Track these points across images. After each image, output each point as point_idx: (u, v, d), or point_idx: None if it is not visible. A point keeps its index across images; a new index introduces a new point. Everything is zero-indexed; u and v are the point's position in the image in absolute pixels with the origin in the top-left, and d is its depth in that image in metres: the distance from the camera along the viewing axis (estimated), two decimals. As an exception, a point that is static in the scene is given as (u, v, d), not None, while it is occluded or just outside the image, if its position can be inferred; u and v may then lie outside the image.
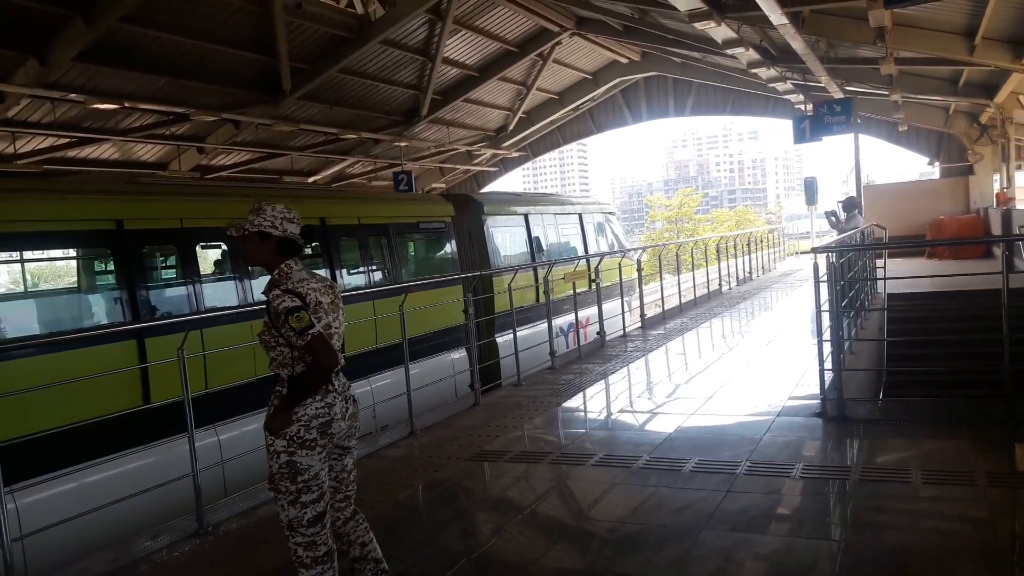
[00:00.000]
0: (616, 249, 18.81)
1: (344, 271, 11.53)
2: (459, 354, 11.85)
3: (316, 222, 10.95)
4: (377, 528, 3.64)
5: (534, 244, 17.10)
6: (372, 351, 9.47)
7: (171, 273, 9.38)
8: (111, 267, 8.52)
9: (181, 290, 9.09)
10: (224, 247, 9.59)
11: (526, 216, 17.41)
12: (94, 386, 6.95)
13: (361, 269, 11.95)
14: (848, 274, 9.56)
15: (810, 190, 23.27)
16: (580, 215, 19.23)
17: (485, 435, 6.56)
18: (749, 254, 22.12)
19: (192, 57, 13.80)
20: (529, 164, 33.00)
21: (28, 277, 9.25)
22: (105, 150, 15.90)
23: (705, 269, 21.67)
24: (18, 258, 8.50)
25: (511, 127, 25.03)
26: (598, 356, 10.15)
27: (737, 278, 19.96)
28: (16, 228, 7.50)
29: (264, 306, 3.34)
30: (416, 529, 4.65)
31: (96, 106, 13.10)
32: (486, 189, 28.38)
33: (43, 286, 9.61)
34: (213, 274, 9.68)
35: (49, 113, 13.29)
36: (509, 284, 9.23)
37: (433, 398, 8.62)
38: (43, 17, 11.06)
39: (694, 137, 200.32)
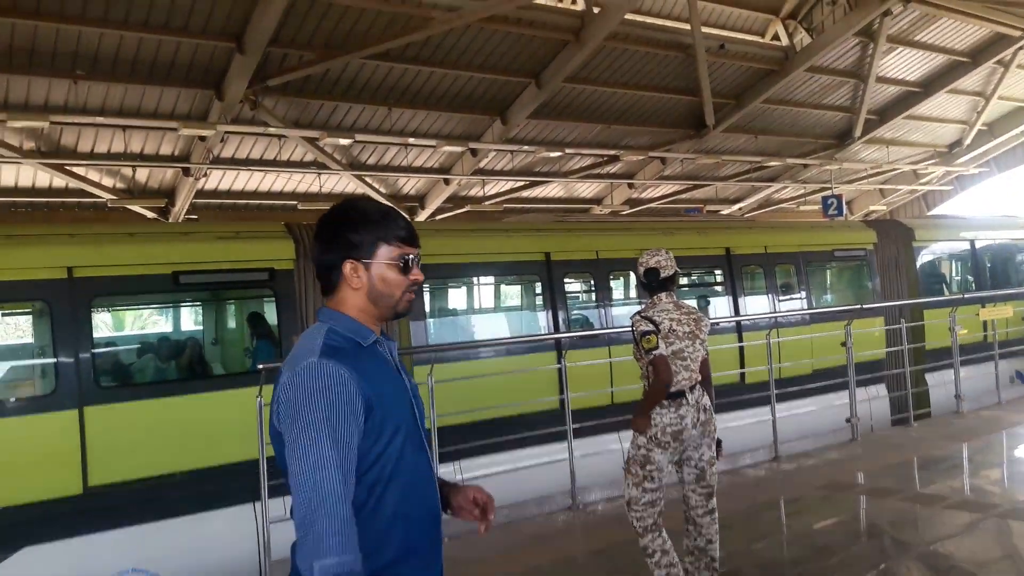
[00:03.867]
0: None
1: (748, 299, 12.15)
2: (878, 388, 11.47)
3: (721, 252, 11.81)
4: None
5: (983, 274, 15.57)
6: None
7: (588, 296, 11.09)
8: (540, 290, 10.50)
9: (595, 311, 10.75)
10: (632, 275, 10.97)
11: (972, 243, 15.89)
12: (527, 384, 8.60)
13: (767, 297, 12.42)
14: None
15: None
16: (1056, 242, 16.81)
17: (846, 469, 6.78)
18: None
19: (623, 104, 15.78)
20: None
21: (483, 295, 11.79)
22: (552, 189, 18.83)
23: None
24: (479, 282, 11.06)
25: (967, 141, 22.72)
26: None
27: None
28: (477, 259, 9.86)
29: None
30: (752, 535, 5.29)
31: (544, 154, 15.79)
32: (936, 211, 25.99)
33: (494, 303, 12.06)
34: (623, 297, 11.16)
35: (509, 162, 16.40)
36: (899, 322, 8.84)
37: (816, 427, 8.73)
38: (505, 87, 13.91)
39: None
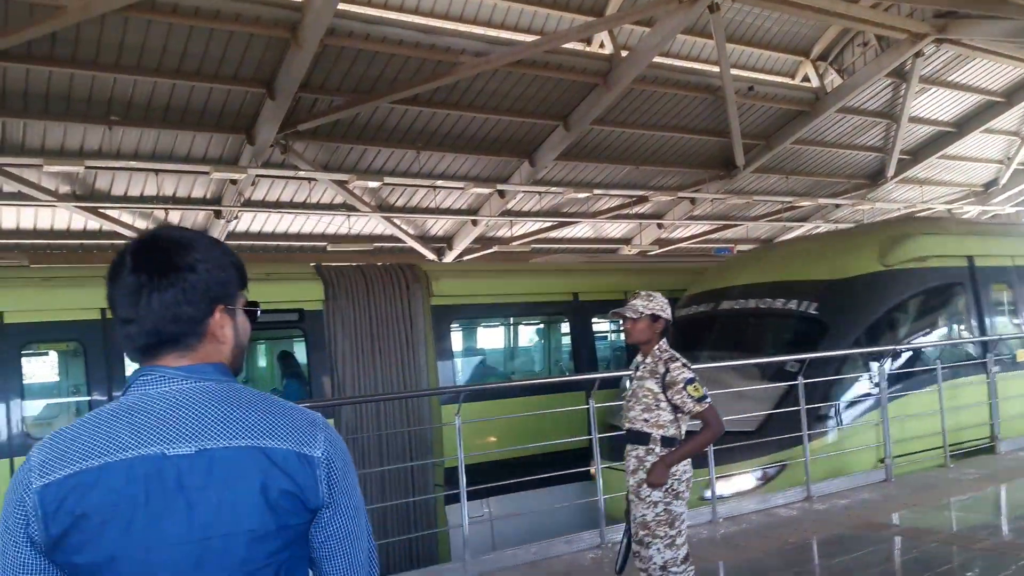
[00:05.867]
0: None
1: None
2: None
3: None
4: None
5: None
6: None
7: (618, 336, 11.18)
8: (567, 329, 10.64)
9: (623, 352, 10.85)
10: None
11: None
12: (557, 423, 8.54)
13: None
14: None
15: None
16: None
17: (880, 509, 6.77)
18: None
19: (652, 146, 16.07)
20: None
21: (511, 335, 11.90)
22: (580, 230, 19.08)
23: None
24: (507, 322, 11.20)
25: (1003, 181, 22.69)
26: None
27: None
28: (503, 300, 10.07)
29: (634, 371, 4.37)
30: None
31: (573, 195, 16.08)
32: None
33: (521, 343, 12.17)
34: None
35: (537, 202, 16.70)
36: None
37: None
38: (533, 129, 14.27)
39: None
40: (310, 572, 1.51)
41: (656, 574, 4.04)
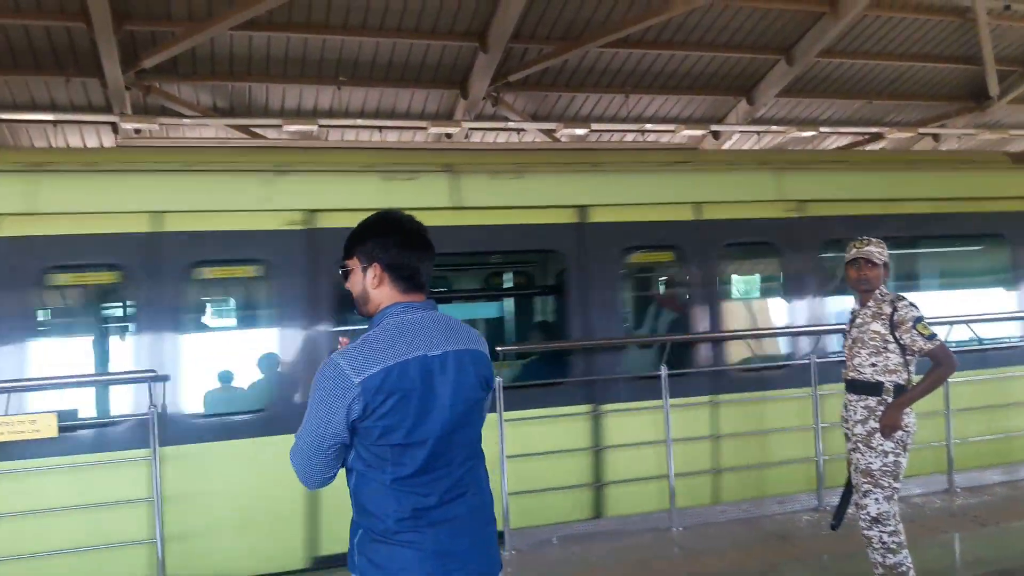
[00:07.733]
0: None
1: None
2: None
3: None
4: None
5: None
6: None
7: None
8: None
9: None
10: None
11: None
12: None
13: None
14: None
15: None
16: None
17: None
18: None
19: (887, 77, 14.78)
20: None
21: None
22: (804, 172, 17.99)
23: None
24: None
25: None
26: None
27: None
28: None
29: (850, 322, 4.24)
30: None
31: (795, 134, 15.18)
32: None
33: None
34: None
35: (755, 143, 15.94)
36: None
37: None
38: (751, 65, 13.58)
39: None
40: None
41: (867, 526, 3.96)
